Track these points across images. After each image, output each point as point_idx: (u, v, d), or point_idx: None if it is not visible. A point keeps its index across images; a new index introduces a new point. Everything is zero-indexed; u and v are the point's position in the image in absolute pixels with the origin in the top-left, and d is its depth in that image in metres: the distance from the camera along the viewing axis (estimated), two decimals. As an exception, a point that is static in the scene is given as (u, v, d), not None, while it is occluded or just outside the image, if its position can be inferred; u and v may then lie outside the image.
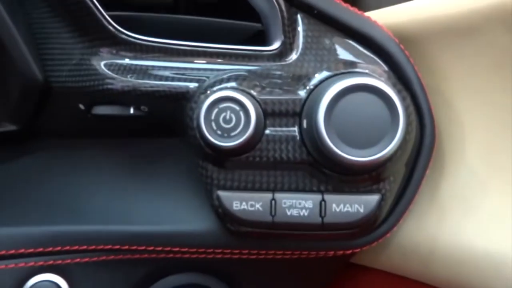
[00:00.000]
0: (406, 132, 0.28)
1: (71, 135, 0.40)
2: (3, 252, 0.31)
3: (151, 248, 0.33)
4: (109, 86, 0.33)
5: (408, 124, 0.29)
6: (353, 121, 0.26)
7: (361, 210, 0.29)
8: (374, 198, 0.29)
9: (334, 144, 0.26)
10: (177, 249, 0.33)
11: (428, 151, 0.31)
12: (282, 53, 0.32)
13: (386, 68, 0.31)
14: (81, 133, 0.39)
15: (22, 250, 0.32)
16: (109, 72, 0.33)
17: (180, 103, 0.32)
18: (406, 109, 0.28)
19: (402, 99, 0.28)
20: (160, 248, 0.33)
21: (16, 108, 0.37)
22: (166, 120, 0.34)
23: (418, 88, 0.31)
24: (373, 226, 0.31)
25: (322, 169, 0.29)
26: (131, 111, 0.35)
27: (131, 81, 0.33)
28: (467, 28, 0.30)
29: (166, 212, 0.34)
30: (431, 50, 0.33)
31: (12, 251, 0.31)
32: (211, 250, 0.33)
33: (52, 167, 0.38)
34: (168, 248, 0.33)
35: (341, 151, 0.26)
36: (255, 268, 0.36)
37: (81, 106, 0.36)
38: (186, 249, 0.33)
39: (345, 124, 0.26)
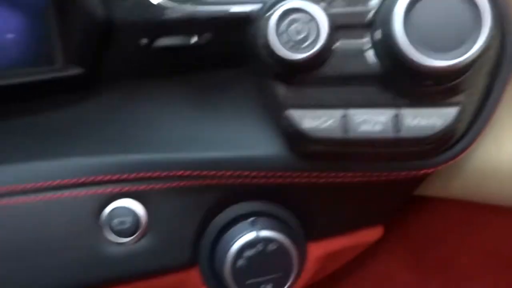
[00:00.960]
0: (490, 36, 0.26)
1: (134, 75, 0.40)
2: (83, 179, 0.33)
3: (222, 173, 0.34)
4: (169, 16, 0.33)
5: (492, 27, 0.27)
6: (433, 24, 0.25)
7: (438, 123, 0.28)
8: (452, 111, 0.28)
9: (413, 49, 0.25)
10: (246, 173, 0.34)
11: (509, 62, 0.29)
12: None
13: None
14: (144, 72, 0.40)
15: (101, 177, 0.33)
16: (168, 1, 0.33)
17: (243, 27, 0.32)
18: (491, 9, 0.26)
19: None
20: (230, 173, 0.34)
21: (80, 49, 0.38)
22: (229, 47, 0.34)
23: None
24: (449, 141, 0.30)
25: (396, 82, 0.28)
26: (193, 40, 0.35)
27: (190, 8, 0.33)
28: None
29: (234, 138, 0.34)
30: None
31: (92, 178, 0.33)
32: (279, 174, 0.33)
33: (120, 105, 0.40)
34: (238, 173, 0.34)
35: (421, 55, 0.25)
36: (321, 194, 0.36)
37: (143, 41, 0.36)
38: (255, 173, 0.33)
39: (424, 28, 0.25)
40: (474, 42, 0.25)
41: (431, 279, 0.45)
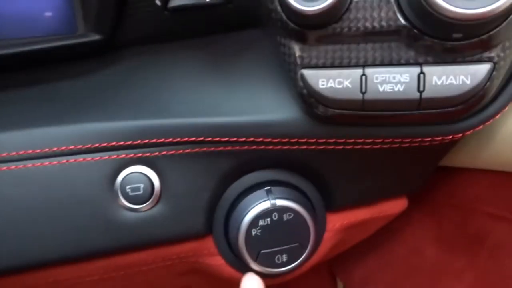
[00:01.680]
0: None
1: (151, 40, 0.39)
2: (96, 145, 0.33)
3: (235, 139, 0.32)
4: None
5: None
6: (462, -32, 0.22)
7: (468, 82, 0.25)
8: (483, 68, 0.25)
9: (439, -4, 0.22)
10: (260, 139, 0.32)
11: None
12: None
13: None
14: (160, 36, 0.39)
15: (113, 143, 0.33)
16: None
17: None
18: None
19: None
20: (243, 139, 0.32)
21: (98, 15, 0.37)
22: (243, 6, 0.32)
23: None
24: (479, 103, 0.27)
25: (421, 37, 0.25)
26: (208, -1, 0.33)
27: None
28: None
29: (248, 103, 0.33)
30: None
31: (105, 144, 0.33)
32: (295, 140, 0.32)
33: (136, 71, 0.39)
34: (252, 139, 0.32)
35: (449, 3, 0.22)
36: (340, 163, 0.34)
37: (158, 2, 0.35)
38: (269, 140, 0.32)
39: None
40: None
41: (461, 254, 0.43)
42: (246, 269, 0.37)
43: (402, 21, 0.25)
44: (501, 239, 0.39)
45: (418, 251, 0.46)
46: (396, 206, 0.40)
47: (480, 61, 0.25)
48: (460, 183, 0.41)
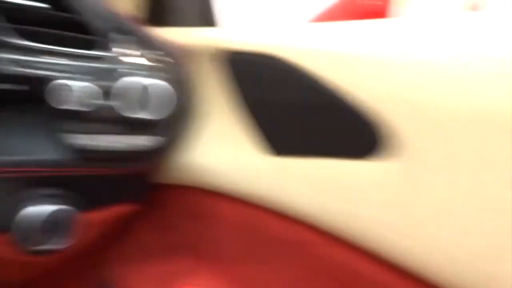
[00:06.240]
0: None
1: None
2: None
3: (17, 169, 0.47)
4: None
5: None
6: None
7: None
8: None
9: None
10: (34, 169, 0.47)
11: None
12: None
13: None
14: None
15: None
16: None
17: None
18: None
19: None
20: (23, 169, 0.47)
21: None
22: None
23: None
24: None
25: None
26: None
27: None
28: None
29: (26, 147, 0.47)
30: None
31: None
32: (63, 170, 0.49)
33: None
34: (28, 168, 0.47)
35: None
36: (91, 180, 0.54)
37: None
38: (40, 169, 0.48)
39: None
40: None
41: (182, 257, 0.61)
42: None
43: None
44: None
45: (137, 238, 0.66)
46: (125, 210, 0.59)
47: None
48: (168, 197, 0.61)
